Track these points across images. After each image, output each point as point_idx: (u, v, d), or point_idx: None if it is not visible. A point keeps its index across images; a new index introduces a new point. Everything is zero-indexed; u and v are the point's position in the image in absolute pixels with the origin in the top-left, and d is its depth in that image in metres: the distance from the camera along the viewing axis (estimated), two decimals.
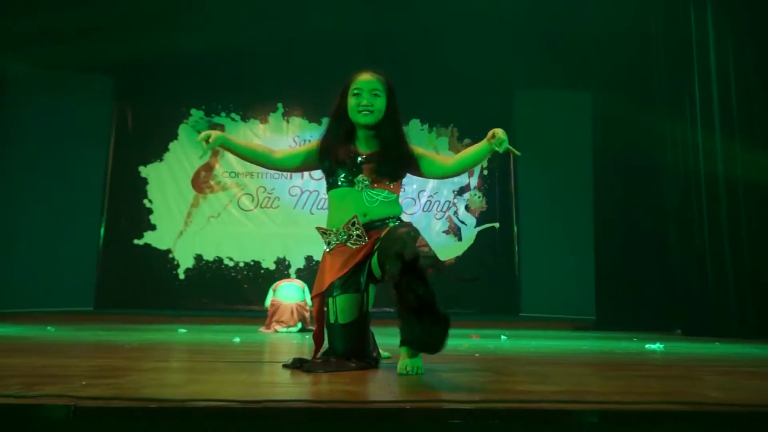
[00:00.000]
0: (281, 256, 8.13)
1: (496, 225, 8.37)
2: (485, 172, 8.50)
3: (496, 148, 2.27)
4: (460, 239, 8.30)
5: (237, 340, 3.97)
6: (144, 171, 8.23)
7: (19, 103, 7.51)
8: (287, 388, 1.70)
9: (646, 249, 6.94)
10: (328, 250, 2.33)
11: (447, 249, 8.21)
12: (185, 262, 8.07)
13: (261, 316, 6.00)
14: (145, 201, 8.17)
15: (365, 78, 2.37)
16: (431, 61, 7.78)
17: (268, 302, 5.83)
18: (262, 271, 8.06)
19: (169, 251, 8.09)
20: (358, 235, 2.26)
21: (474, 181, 8.47)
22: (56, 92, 7.87)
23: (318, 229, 2.38)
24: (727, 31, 5.86)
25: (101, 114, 8.20)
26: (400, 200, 2.44)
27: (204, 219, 8.23)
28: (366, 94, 2.34)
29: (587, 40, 7.61)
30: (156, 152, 8.28)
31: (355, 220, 2.25)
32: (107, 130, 8.23)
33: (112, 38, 7.64)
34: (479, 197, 8.44)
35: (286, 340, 4.48)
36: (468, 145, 8.39)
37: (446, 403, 1.39)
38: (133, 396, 1.39)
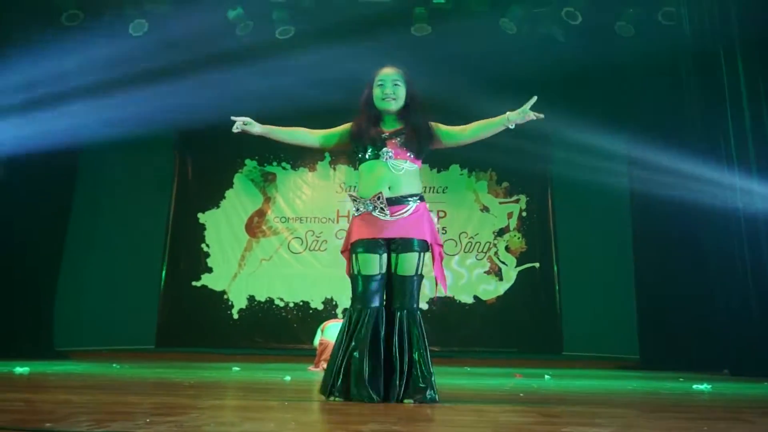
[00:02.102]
0: (329, 297, 8.38)
1: (537, 265, 8.48)
2: (524, 214, 8.70)
3: (510, 127, 2.67)
4: (501, 279, 8.43)
5: (288, 378, 4.08)
6: (202, 217, 8.74)
7: (92, 157, 8.09)
8: (338, 427, 1.77)
9: (689, 286, 6.91)
10: (356, 214, 2.68)
11: (488, 288, 8.40)
12: (239, 302, 8.44)
13: (310, 354, 6.17)
14: (203, 245, 8.64)
15: (387, 71, 2.79)
16: (468, 109, 8.08)
17: (316, 341, 5.93)
18: (311, 311, 8.33)
19: (224, 292, 8.48)
20: (381, 208, 2.60)
21: (513, 223, 8.67)
22: (124, 147, 8.51)
23: (350, 195, 2.74)
24: (758, 71, 5.87)
25: (164, 166, 8.77)
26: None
27: (257, 262, 8.63)
28: (389, 84, 2.74)
29: (620, 86, 7.79)
30: (213, 200, 8.79)
31: (380, 194, 2.60)
32: (170, 180, 8.79)
33: (175, 99, 8.32)
34: (519, 238, 8.61)
35: None
36: (506, 188, 8.77)
37: None
38: None
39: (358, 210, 2.67)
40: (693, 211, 6.66)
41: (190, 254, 8.60)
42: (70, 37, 6.98)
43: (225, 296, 8.48)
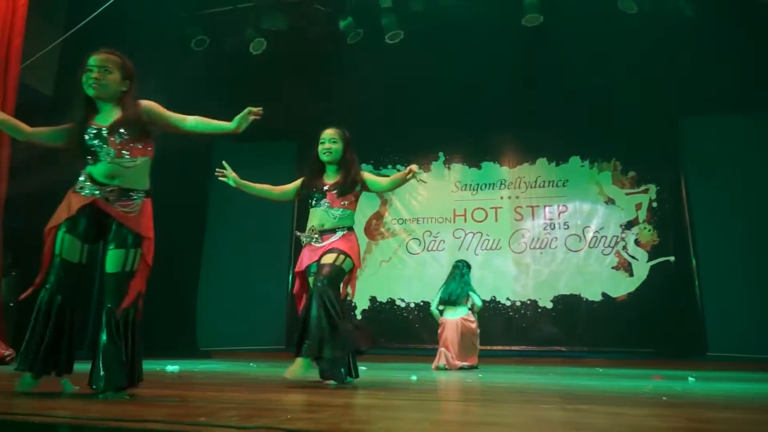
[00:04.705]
0: None
1: (671, 259, 7.87)
2: (654, 205, 8.11)
3: (409, 179, 3.21)
4: (631, 275, 7.92)
5: (414, 378, 4.14)
6: None
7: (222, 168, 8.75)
8: (474, 427, 1.72)
9: None
10: (303, 244, 3.44)
11: (618, 285, 7.93)
12: (362, 303, 8.68)
13: (432, 354, 6.25)
14: None
15: (328, 132, 3.49)
16: (586, 95, 7.69)
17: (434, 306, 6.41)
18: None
19: (347, 294, 8.75)
20: (316, 238, 3.37)
21: (642, 215, 8.11)
22: (251, 158, 9.05)
23: (300, 234, 3.46)
24: None
25: (287, 174, 9.16)
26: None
27: (377, 263, 8.81)
28: (328, 141, 3.45)
29: (760, 61, 7.03)
30: None
31: (313, 227, 3.40)
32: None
33: (294, 109, 8.75)
34: (650, 230, 8.04)
35: (457, 377, 4.61)
36: (633, 178, 8.30)
37: None
38: (332, 431, 1.51)
39: (303, 242, 3.44)
40: None
41: None
42: (199, 59, 7.59)
43: (348, 298, 8.68)
